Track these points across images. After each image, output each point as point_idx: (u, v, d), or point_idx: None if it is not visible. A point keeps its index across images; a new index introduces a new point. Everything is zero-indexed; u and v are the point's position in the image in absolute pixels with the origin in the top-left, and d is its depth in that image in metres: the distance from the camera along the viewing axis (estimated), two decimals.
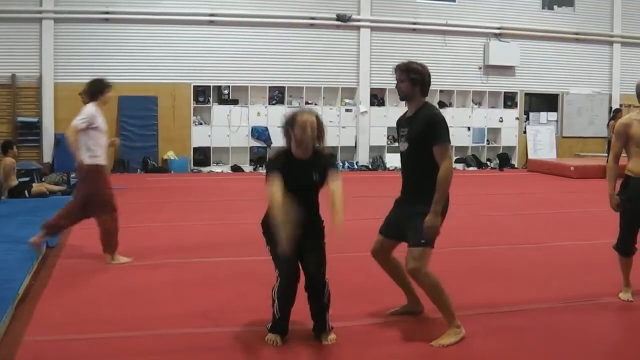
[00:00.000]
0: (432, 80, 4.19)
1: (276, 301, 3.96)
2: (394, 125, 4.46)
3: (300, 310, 4.04)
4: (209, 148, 15.87)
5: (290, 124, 3.99)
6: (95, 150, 5.89)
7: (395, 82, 4.20)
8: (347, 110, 16.50)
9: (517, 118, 17.88)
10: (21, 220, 7.76)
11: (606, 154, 14.86)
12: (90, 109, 5.92)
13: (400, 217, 4.20)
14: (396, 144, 16.56)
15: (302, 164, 3.99)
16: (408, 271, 4.08)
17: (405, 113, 4.29)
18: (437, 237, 4.03)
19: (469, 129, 17.39)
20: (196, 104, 15.74)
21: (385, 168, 16.58)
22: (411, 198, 4.14)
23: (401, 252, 4.27)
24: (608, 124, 15.38)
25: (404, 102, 4.27)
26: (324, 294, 3.99)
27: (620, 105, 17.25)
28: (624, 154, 4.91)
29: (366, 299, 4.86)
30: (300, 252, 3.93)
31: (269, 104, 16.05)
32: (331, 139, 14.86)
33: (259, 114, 15.91)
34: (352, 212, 8.29)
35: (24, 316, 4.39)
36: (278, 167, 3.94)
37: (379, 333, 4.16)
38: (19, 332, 4.07)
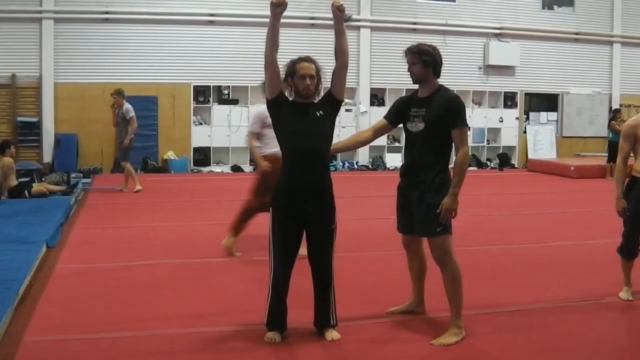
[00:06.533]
0: None
1: (271, 291, 3.89)
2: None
3: (302, 307, 4.03)
4: (209, 148, 15.85)
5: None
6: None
7: (407, 65, 4.11)
8: (347, 110, 16.44)
9: (517, 118, 17.86)
10: (21, 220, 7.75)
11: (606, 154, 14.84)
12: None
13: (408, 208, 4.10)
14: (397, 144, 16.64)
15: None
16: (435, 260, 4.06)
17: (417, 93, 4.18)
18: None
19: (469, 128, 17.29)
20: (196, 104, 15.72)
21: (385, 168, 16.57)
22: (419, 183, 4.03)
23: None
24: (609, 125, 15.37)
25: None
26: (331, 285, 3.96)
27: (620, 105, 17.24)
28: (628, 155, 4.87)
29: (368, 298, 4.85)
30: (299, 235, 3.91)
31: None
32: None
33: None
34: (353, 212, 8.33)
35: (24, 316, 4.39)
36: None
37: (381, 332, 4.15)
38: (19, 332, 4.07)
